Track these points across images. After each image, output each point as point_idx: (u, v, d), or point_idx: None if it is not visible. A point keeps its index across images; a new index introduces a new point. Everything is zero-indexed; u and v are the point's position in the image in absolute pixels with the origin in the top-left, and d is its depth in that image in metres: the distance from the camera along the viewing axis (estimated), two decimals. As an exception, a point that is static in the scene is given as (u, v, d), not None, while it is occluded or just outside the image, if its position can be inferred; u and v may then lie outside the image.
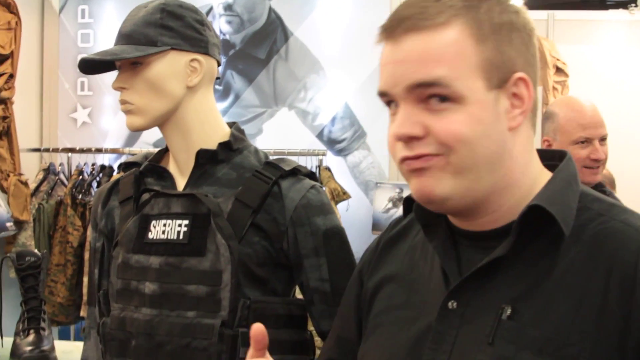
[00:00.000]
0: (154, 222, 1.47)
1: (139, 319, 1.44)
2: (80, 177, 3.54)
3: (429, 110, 0.94)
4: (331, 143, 3.89)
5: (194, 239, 1.42)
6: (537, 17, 5.24)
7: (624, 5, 5.35)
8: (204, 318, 1.39)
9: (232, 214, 1.44)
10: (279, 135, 3.88)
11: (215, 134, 1.53)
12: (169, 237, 1.45)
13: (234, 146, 1.52)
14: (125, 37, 1.47)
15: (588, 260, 0.92)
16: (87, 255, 3.25)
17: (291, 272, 1.51)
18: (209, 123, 1.53)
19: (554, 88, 5.19)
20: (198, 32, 1.49)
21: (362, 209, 3.79)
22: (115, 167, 3.58)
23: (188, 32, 1.48)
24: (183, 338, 1.39)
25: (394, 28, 0.95)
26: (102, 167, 3.59)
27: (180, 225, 1.44)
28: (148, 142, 3.92)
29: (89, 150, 3.62)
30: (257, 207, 1.46)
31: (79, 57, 3.94)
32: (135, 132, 3.87)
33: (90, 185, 3.55)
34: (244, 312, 1.40)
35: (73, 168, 3.62)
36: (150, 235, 1.47)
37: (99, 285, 1.60)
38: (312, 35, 3.92)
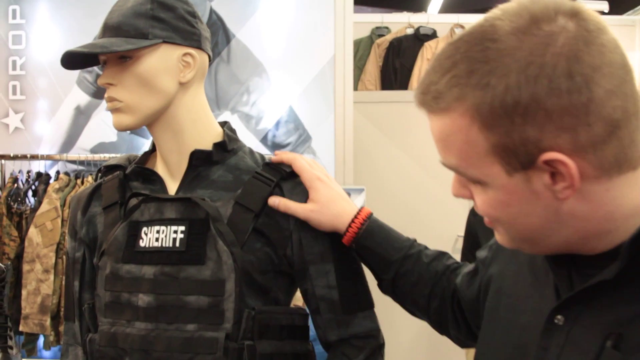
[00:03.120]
0: (145, 228, 1.38)
1: (132, 334, 1.34)
2: (15, 185, 3.38)
3: None
4: (276, 147, 3.82)
5: (192, 246, 1.34)
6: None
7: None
8: (206, 331, 1.31)
9: (232, 218, 1.36)
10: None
11: (208, 134, 1.44)
12: (163, 245, 1.36)
13: (229, 147, 1.44)
14: (113, 29, 1.37)
15: None
16: (25, 267, 3.11)
17: (292, 279, 1.44)
18: (201, 122, 1.44)
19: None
20: (190, 25, 1.41)
21: (310, 214, 3.71)
22: (52, 174, 3.44)
23: (180, 25, 1.39)
24: (184, 353, 1.31)
25: (417, 103, 0.91)
26: (39, 174, 3.44)
27: (175, 232, 1.36)
28: (85, 148, 3.79)
29: (23, 157, 3.45)
30: (259, 211, 1.38)
31: (10, 59, 3.84)
32: (71, 138, 3.75)
33: (25, 193, 3.40)
34: (248, 324, 1.33)
35: (7, 176, 3.46)
36: (142, 243, 1.38)
37: (79, 299, 1.49)
38: (255, 37, 3.85)
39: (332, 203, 1.39)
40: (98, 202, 1.51)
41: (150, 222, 1.38)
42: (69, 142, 3.81)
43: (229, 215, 1.36)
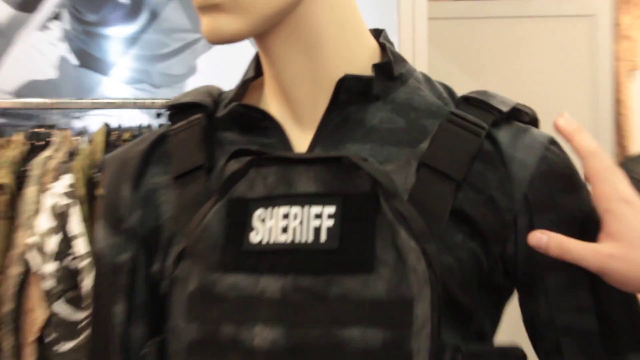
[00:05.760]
0: (259, 212, 0.83)
1: None
2: None
3: None
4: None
5: (350, 241, 0.79)
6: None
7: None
8: None
9: (417, 193, 0.83)
10: (219, 76, 2.66)
11: (361, 50, 0.91)
12: (296, 240, 0.81)
13: (396, 71, 0.90)
14: None
15: None
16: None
17: (501, 296, 0.91)
18: (351, 30, 0.90)
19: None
20: None
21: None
22: None
23: None
24: None
25: None
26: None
27: (319, 217, 0.81)
28: (5, 89, 2.63)
29: None
30: (462, 178, 0.85)
31: None
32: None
33: None
34: None
35: None
36: (256, 238, 0.82)
37: (124, 333, 0.93)
38: None
39: None
40: (161, 168, 0.95)
41: (269, 201, 0.84)
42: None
43: (410, 188, 0.83)
